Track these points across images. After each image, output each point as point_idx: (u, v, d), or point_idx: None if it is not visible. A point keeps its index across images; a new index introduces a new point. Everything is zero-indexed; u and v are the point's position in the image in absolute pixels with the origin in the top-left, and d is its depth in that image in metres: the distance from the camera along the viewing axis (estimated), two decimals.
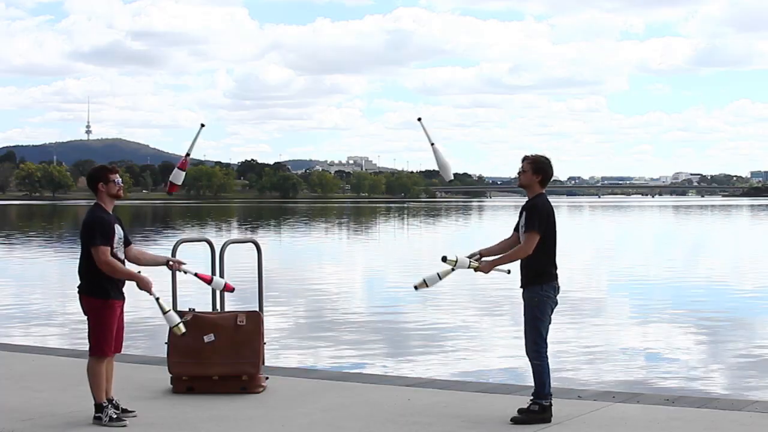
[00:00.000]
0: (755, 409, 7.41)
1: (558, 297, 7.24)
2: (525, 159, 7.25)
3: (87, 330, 7.08)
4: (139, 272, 7.07)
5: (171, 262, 7.36)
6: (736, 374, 11.46)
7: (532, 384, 7.31)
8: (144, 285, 6.98)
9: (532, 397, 7.16)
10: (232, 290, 7.55)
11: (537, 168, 7.18)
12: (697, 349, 13.45)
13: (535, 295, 7.08)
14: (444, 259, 7.18)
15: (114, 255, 7.01)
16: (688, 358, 12.66)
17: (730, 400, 8.42)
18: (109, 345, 7.03)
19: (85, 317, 7.09)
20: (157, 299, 6.98)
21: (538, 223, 7.05)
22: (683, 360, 12.48)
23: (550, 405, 7.08)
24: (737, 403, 7.89)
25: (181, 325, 7.10)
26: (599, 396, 8.07)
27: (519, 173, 7.28)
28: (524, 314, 7.14)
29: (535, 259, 7.07)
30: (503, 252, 7.30)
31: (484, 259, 7.25)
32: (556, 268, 7.18)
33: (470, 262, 7.16)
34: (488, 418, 7.16)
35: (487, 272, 7.20)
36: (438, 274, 7.19)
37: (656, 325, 15.67)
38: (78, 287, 7.08)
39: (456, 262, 7.14)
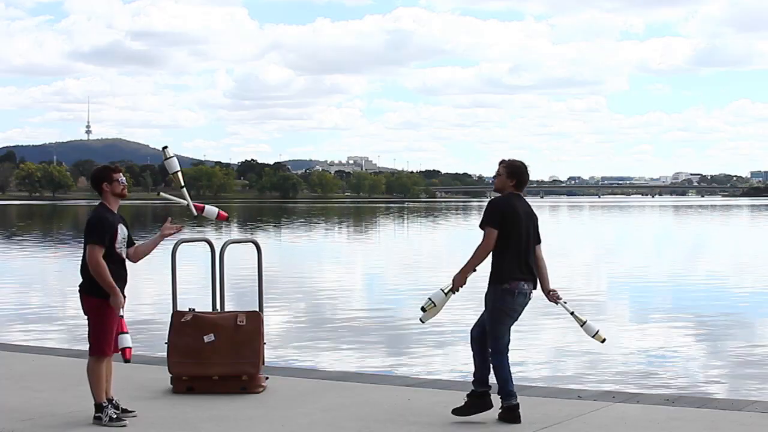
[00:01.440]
0: (755, 409, 7.41)
1: (526, 301, 7.14)
2: (501, 163, 7.26)
3: (87, 329, 7.09)
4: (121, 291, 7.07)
5: (168, 229, 7.37)
6: (736, 374, 11.46)
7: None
8: (116, 302, 6.92)
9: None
10: (226, 218, 7.88)
11: (511, 172, 7.18)
12: (697, 349, 13.45)
13: (491, 297, 7.06)
14: (423, 309, 7.20)
15: (117, 254, 7.03)
16: (688, 358, 12.66)
17: (730, 400, 8.42)
18: (109, 345, 7.04)
19: (86, 317, 7.10)
20: (121, 316, 7.04)
21: (488, 219, 7.03)
22: (683, 360, 12.48)
23: (517, 405, 7.01)
24: (737, 403, 7.89)
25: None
26: (599, 396, 8.07)
27: (494, 177, 7.32)
28: (486, 314, 7.13)
29: (494, 257, 7.06)
30: (541, 271, 7.23)
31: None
32: (519, 270, 7.04)
33: (444, 292, 7.14)
34: (488, 418, 7.15)
35: (462, 283, 7.11)
36: (443, 290, 7.17)
37: (656, 325, 15.67)
38: (79, 286, 7.10)
39: (434, 305, 7.16)
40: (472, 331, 7.23)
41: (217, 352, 8.11)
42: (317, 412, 7.43)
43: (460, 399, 7.88)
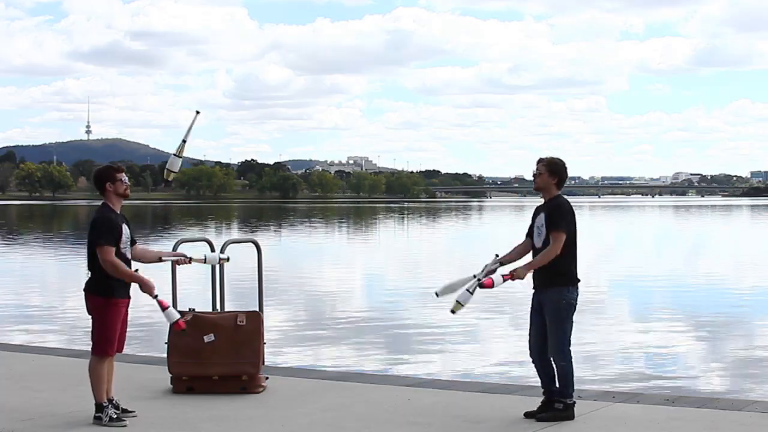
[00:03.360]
0: (755, 409, 7.41)
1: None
2: (540, 161, 7.24)
3: (90, 329, 7.10)
4: (140, 272, 7.10)
5: (176, 259, 7.45)
6: (736, 374, 11.47)
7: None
8: (146, 288, 6.99)
9: (544, 397, 7.20)
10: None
11: (553, 170, 7.18)
12: (697, 349, 13.45)
13: (562, 297, 7.07)
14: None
15: (122, 254, 7.04)
16: (688, 358, 12.66)
17: (730, 400, 8.42)
18: (112, 344, 7.04)
19: (89, 316, 7.11)
20: (156, 297, 7.03)
21: (564, 222, 7.04)
22: (683, 360, 12.49)
23: (574, 403, 7.11)
24: (737, 403, 7.90)
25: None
26: (599, 396, 8.07)
27: (534, 176, 7.25)
28: (547, 316, 7.10)
29: (560, 260, 7.05)
30: (520, 256, 7.31)
31: (513, 265, 7.18)
32: (577, 269, 7.19)
33: (470, 291, 7.13)
34: (488, 418, 7.17)
35: (523, 277, 7.09)
36: (468, 289, 7.14)
37: (656, 325, 15.67)
38: (84, 285, 7.11)
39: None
40: (532, 348, 7.25)
41: (217, 352, 8.11)
42: (317, 412, 7.43)
43: (460, 399, 7.90)
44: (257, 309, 8.93)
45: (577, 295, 7.17)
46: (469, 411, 7.42)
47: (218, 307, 9.18)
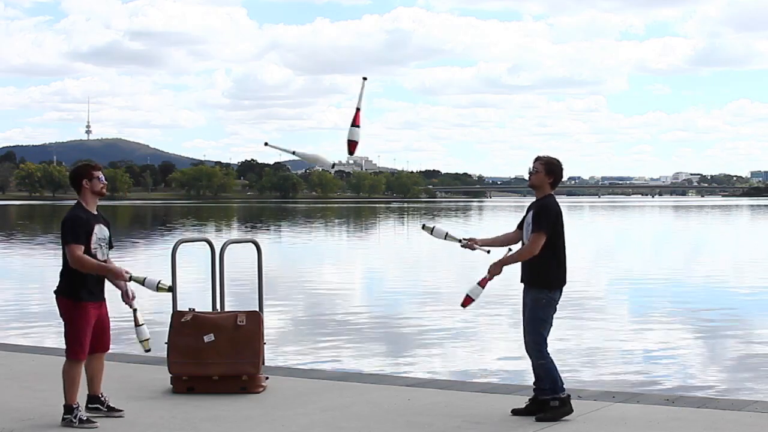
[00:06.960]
0: (755, 409, 7.41)
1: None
2: (537, 159, 7.27)
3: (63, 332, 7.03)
4: (110, 262, 7.03)
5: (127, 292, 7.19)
6: (736, 374, 11.46)
7: (533, 384, 7.31)
8: (117, 275, 6.89)
9: (533, 396, 7.22)
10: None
11: (549, 169, 7.21)
12: (697, 349, 13.44)
13: (543, 296, 7.10)
14: (423, 227, 7.42)
15: (93, 255, 6.89)
16: (688, 358, 12.65)
17: (730, 400, 8.42)
18: (83, 348, 6.94)
19: (61, 319, 7.03)
20: (135, 310, 7.09)
21: (546, 224, 7.05)
22: (683, 360, 12.48)
23: (569, 397, 7.13)
24: (737, 403, 7.89)
25: (148, 343, 7.20)
26: (599, 396, 8.07)
27: (530, 173, 7.29)
28: (527, 313, 7.15)
29: (544, 262, 7.06)
30: (504, 244, 7.39)
31: (492, 262, 7.22)
32: (564, 272, 7.20)
33: (448, 234, 7.35)
34: (488, 418, 7.16)
35: (498, 273, 7.17)
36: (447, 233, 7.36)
37: (656, 325, 15.66)
38: (55, 288, 7.05)
39: (432, 229, 7.37)
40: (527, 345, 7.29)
41: (217, 352, 8.11)
42: (317, 412, 7.43)
43: (460, 399, 7.90)
44: (257, 309, 8.93)
45: (560, 296, 7.18)
46: (469, 411, 7.42)
47: (218, 307, 9.18)
